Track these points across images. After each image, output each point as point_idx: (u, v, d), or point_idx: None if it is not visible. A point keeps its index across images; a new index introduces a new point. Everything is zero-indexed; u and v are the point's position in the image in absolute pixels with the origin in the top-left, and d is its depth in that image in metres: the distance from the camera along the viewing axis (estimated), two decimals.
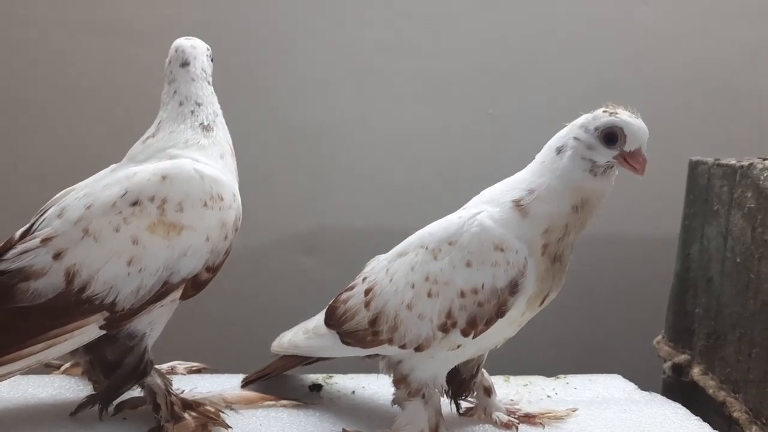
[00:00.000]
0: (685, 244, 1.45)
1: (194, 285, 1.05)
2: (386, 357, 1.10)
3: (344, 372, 1.37)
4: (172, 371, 1.33)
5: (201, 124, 1.12)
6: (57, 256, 0.99)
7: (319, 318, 1.17)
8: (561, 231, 0.99)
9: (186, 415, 1.06)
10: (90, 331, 1.00)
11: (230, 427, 1.08)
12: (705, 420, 1.22)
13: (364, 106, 1.77)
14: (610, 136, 0.97)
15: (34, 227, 1.05)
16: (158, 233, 1.00)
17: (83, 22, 1.69)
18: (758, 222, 1.21)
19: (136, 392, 1.09)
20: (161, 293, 1.01)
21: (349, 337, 1.09)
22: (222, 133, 1.14)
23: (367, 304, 1.07)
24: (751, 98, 1.82)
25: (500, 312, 0.98)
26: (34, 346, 0.98)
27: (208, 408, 1.10)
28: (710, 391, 1.33)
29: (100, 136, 1.67)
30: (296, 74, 1.75)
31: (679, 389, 1.41)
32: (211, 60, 1.19)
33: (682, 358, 1.43)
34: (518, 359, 1.40)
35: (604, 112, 0.99)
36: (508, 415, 1.16)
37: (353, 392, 1.30)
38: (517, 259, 0.98)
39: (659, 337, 1.53)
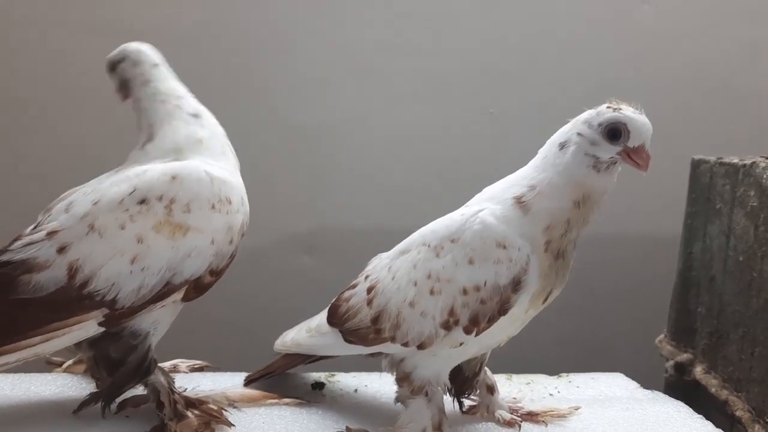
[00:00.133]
0: (687, 242, 1.45)
1: (196, 288, 1.05)
2: (389, 355, 1.09)
3: (347, 370, 1.36)
4: (175, 369, 1.33)
5: (189, 113, 1.13)
6: (61, 249, 0.98)
7: (322, 316, 1.17)
8: (563, 227, 0.99)
9: (189, 413, 1.05)
10: (89, 326, 1.00)
11: (233, 425, 1.07)
12: (707, 418, 1.22)
13: (364, 106, 1.77)
14: (614, 131, 0.96)
15: (41, 223, 1.05)
16: (164, 233, 1.00)
17: (83, 22, 1.68)
18: (761, 220, 1.21)
19: (139, 390, 1.09)
20: (162, 293, 1.01)
21: (351, 335, 1.09)
22: (211, 119, 1.16)
23: (369, 302, 1.07)
24: (752, 98, 1.82)
25: (503, 309, 0.98)
26: (31, 339, 0.97)
27: (211, 406, 1.10)
28: (713, 390, 1.32)
29: (100, 136, 1.67)
30: (296, 74, 1.75)
31: (682, 388, 1.41)
32: None
33: (684, 356, 1.43)
34: (521, 358, 1.39)
35: (608, 107, 0.98)
36: (511, 413, 1.15)
37: (356, 390, 1.30)
38: (519, 256, 0.97)
39: (661, 336, 1.53)
